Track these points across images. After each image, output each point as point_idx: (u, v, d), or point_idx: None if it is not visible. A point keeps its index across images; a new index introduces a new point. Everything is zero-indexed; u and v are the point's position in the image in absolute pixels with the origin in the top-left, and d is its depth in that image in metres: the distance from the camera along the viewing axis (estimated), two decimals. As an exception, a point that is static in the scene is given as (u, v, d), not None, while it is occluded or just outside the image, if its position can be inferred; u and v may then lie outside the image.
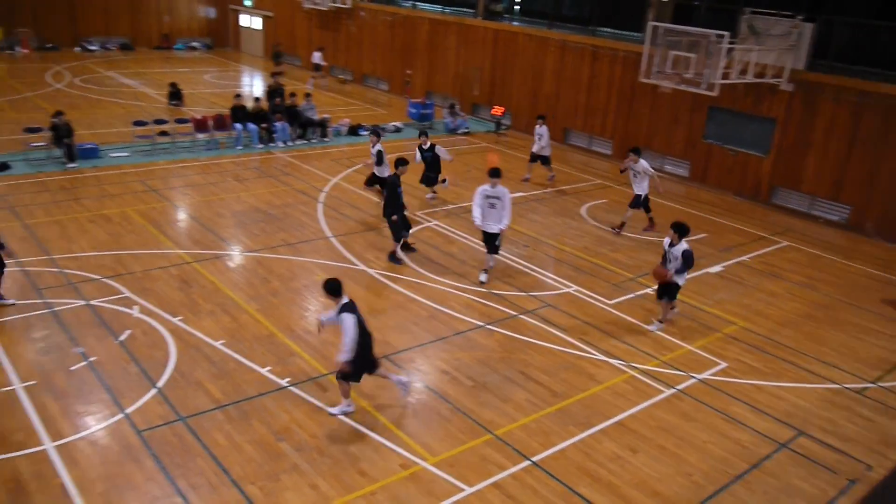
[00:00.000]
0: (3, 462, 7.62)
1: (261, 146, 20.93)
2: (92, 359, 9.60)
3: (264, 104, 22.13)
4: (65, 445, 7.94)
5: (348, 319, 8.19)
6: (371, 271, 12.93)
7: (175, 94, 25.50)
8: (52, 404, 8.62)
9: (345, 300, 8.39)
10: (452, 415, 8.97)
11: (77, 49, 36.42)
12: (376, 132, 15.85)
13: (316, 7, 33.20)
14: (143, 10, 38.43)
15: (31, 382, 9.01)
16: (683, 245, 10.87)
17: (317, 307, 11.60)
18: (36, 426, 8.22)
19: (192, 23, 40.29)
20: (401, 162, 13.50)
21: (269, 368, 9.66)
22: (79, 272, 12.06)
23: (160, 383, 9.17)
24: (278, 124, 21.33)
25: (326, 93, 29.48)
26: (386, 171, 15.11)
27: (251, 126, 20.96)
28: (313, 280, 12.48)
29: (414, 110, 25.71)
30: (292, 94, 22.61)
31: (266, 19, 38.06)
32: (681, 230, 10.88)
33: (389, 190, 13.35)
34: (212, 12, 40.78)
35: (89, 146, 18.66)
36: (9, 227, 13.71)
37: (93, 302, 11.14)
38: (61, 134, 18.01)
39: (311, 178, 18.30)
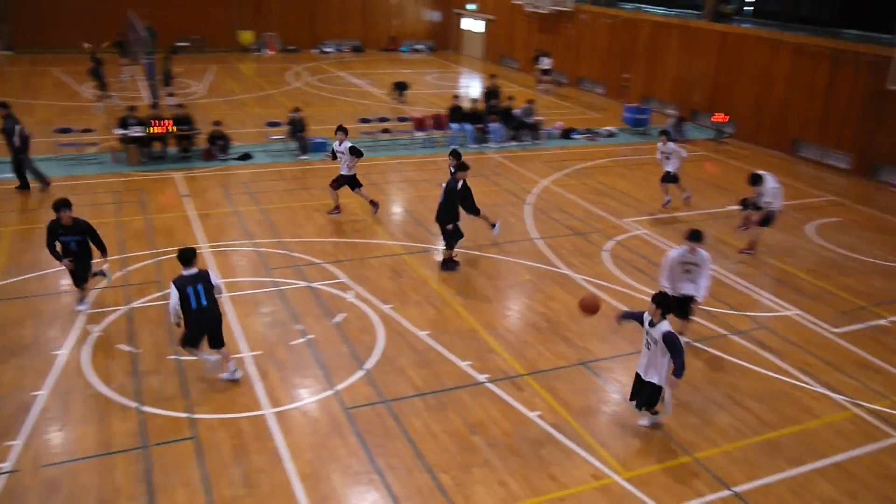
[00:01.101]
0: (230, 421, 8.46)
1: (475, 146, 21.47)
2: (309, 336, 10.38)
3: (481, 105, 22.69)
4: (281, 413, 8.66)
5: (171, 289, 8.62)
6: (576, 276, 12.79)
7: (400, 87, 27.09)
8: (273, 374, 9.43)
9: (191, 271, 8.77)
10: (650, 431, 8.64)
11: (314, 51, 39.61)
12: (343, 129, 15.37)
13: (537, 11, 33.46)
14: (373, 15, 40.93)
15: (257, 352, 9.92)
16: (665, 325, 7.99)
17: (519, 307, 11.70)
18: (258, 392, 9.04)
19: (417, 26, 42.28)
20: (462, 167, 12.96)
21: (468, 363, 9.87)
22: (303, 255, 13.08)
23: (368, 366, 9.70)
24: (492, 125, 21.77)
25: (543, 96, 29.59)
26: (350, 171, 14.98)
27: (467, 126, 21.58)
28: (518, 281, 12.59)
29: (629, 115, 25.08)
30: (510, 98, 22.95)
31: (487, 22, 38.97)
32: (662, 303, 7.97)
33: (449, 196, 12.66)
34: (436, 16, 42.51)
35: (320, 140, 20.19)
36: (248, 210, 15.21)
37: (313, 284, 12.04)
38: (297, 128, 19.68)
39: (521, 180, 18.47)
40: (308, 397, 9.00)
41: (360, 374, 9.51)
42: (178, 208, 15.36)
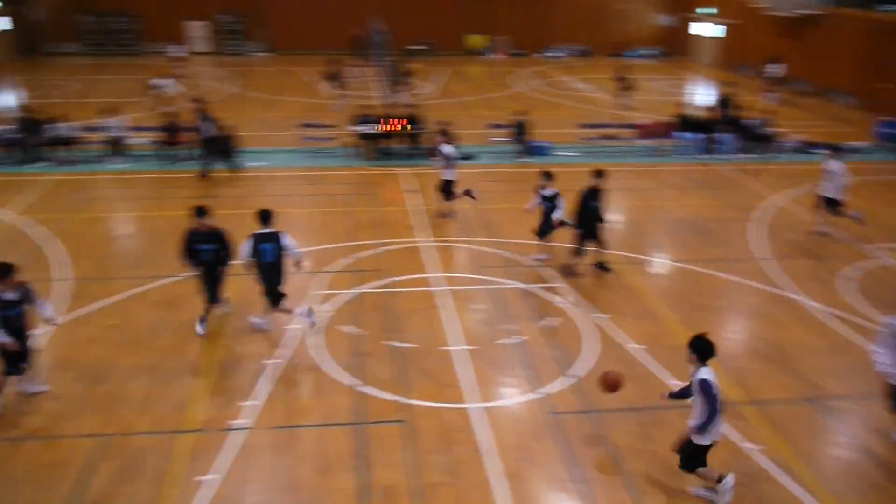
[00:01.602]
0: (436, 410, 8.74)
1: (703, 157, 20.46)
2: (519, 338, 10.44)
3: (713, 114, 21.57)
4: (486, 409, 8.79)
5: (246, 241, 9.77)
6: (808, 303, 11.73)
7: (624, 82, 26.54)
8: (481, 370, 9.60)
9: (266, 230, 9.82)
10: (888, 484, 7.69)
11: (540, 55, 39.91)
12: (445, 132, 15.67)
13: (780, 14, 31.16)
14: (602, 20, 40.41)
15: (469, 346, 10.16)
16: (703, 373, 6.86)
17: (742, 331, 10.97)
18: (465, 386, 9.25)
19: (647, 31, 41.12)
20: (599, 173, 12.37)
21: (684, 383, 9.40)
22: (518, 256, 13.20)
23: (577, 373, 9.57)
24: (723, 136, 20.61)
25: (779, 106, 27.55)
26: (453, 174, 14.89)
27: (695, 135, 20.61)
28: (740, 301, 11.81)
29: (886, 130, 22.56)
30: (742, 108, 21.61)
31: (725, 27, 36.96)
32: (697, 347, 6.93)
33: (583, 201, 12.20)
34: (668, 21, 41.05)
35: (541, 144, 20.28)
36: (468, 209, 15.64)
37: (527, 286, 12.11)
38: (520, 131, 19.92)
39: (749, 195, 17.31)
40: (514, 397, 9.05)
41: (568, 380, 9.40)
42: (401, 202, 16.16)
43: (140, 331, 10.48)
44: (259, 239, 9.85)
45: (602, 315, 11.16)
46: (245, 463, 7.81)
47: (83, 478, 7.55)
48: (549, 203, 12.61)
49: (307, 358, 9.84)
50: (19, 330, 8.42)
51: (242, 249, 9.90)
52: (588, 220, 12.27)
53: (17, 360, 8.53)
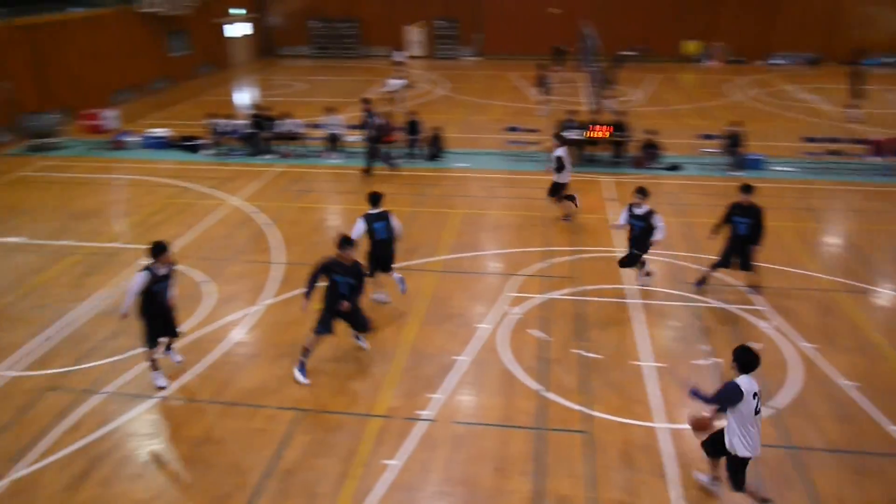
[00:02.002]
0: (620, 425, 8.48)
1: (946, 179, 18.17)
2: (715, 360, 9.86)
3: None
4: (673, 431, 8.38)
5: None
6: None
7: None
8: (672, 389, 9.17)
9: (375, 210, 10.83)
10: None
11: (762, 63, 37.42)
12: (560, 137, 15.42)
13: None
14: (838, 24, 37.04)
15: (660, 363, 9.76)
16: (739, 378, 6.76)
17: (981, 378, 9.61)
18: (653, 403, 8.89)
19: (891, 36, 37.09)
20: (747, 188, 11.25)
21: (902, 429, 8.41)
22: (720, 275, 12.47)
23: (777, 404, 8.87)
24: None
25: None
26: (566, 178, 14.97)
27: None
28: (983, 345, 10.34)
29: None
30: None
31: None
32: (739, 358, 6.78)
33: (727, 217, 11.36)
34: (918, 26, 36.83)
35: (756, 157, 19.01)
36: (671, 222, 14.99)
37: (728, 306, 11.41)
38: (733, 143, 18.80)
39: None
40: (704, 422, 8.56)
41: (766, 411, 8.73)
42: (602, 210, 15.86)
43: (341, 316, 11.15)
44: (371, 219, 10.85)
45: (810, 344, 10.25)
46: (426, 453, 8.06)
47: (281, 447, 8.17)
48: (641, 223, 11.43)
49: (494, 358, 9.95)
50: (163, 304, 9.15)
51: (357, 228, 10.67)
52: (731, 238, 11.41)
53: (161, 332, 9.34)
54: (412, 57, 39.02)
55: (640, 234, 11.49)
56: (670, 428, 8.43)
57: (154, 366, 9.36)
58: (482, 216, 15.50)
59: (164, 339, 9.61)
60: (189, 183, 17.96)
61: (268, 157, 20.24)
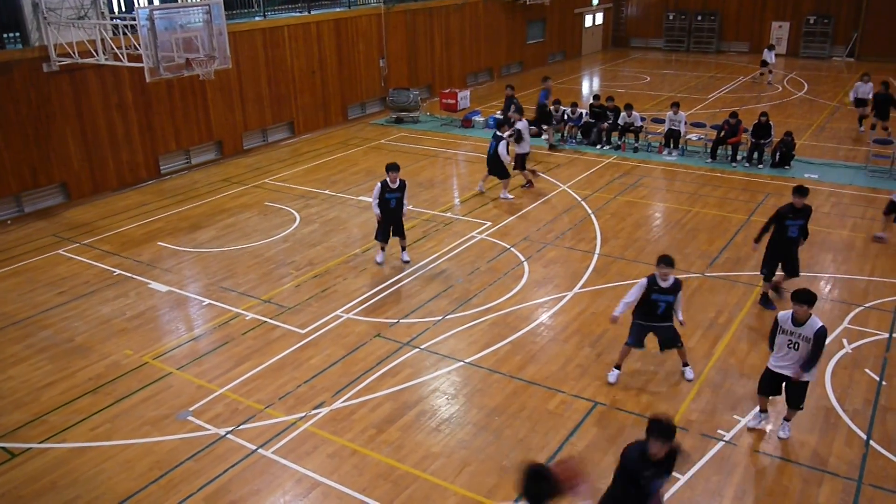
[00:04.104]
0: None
1: None
2: None
3: None
4: None
5: None
6: None
7: None
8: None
9: None
10: None
11: None
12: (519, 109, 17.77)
13: None
14: None
15: None
16: (816, 322, 7.45)
17: None
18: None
19: None
20: (800, 190, 10.52)
21: None
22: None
23: None
24: None
25: None
26: (526, 148, 16.62)
27: None
28: None
29: None
30: None
31: None
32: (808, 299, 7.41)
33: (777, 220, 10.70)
34: None
35: None
36: None
37: None
38: None
39: None
40: None
41: None
42: None
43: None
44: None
45: None
46: (718, 476, 7.52)
47: (571, 435, 8.21)
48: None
49: (817, 392, 8.87)
50: (396, 210, 12.33)
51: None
52: (777, 242, 10.76)
53: (389, 233, 12.53)
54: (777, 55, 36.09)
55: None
56: None
57: (381, 247, 12.74)
58: (827, 235, 13.85)
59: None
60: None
61: (603, 147, 20.27)
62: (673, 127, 19.59)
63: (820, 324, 7.49)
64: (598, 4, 38.65)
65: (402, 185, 12.36)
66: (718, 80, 29.67)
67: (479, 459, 7.86)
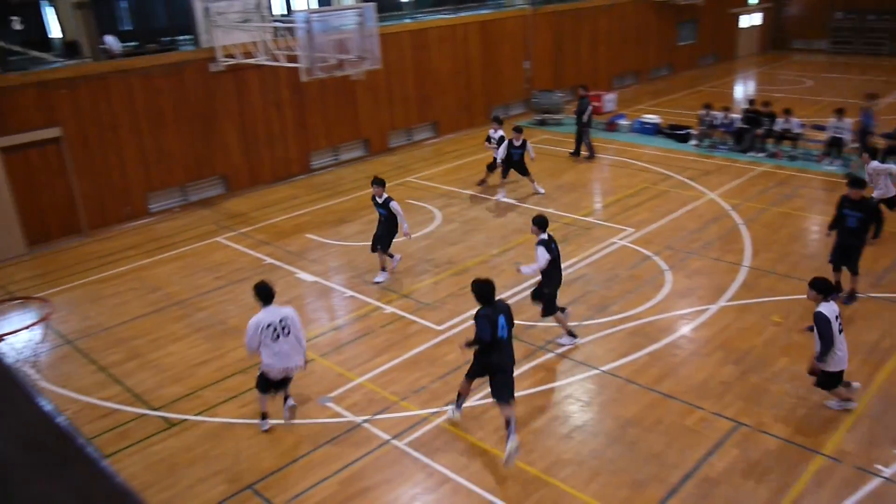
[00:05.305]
0: None
1: None
2: None
3: None
4: None
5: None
6: None
7: None
8: None
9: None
10: None
11: None
12: (497, 119, 17.31)
13: None
14: None
15: None
16: (821, 306, 8.02)
17: None
18: None
19: None
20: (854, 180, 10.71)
21: None
22: None
23: None
24: None
25: None
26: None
27: None
28: None
29: None
30: None
31: None
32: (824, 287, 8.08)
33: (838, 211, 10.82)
34: None
35: None
36: None
37: None
38: None
39: None
40: None
41: None
42: None
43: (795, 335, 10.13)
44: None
45: None
46: (876, 515, 6.94)
47: (710, 454, 7.85)
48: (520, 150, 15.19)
49: None
50: (382, 225, 12.21)
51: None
52: (839, 232, 10.84)
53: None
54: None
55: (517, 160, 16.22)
56: None
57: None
58: None
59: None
60: (670, 171, 18.10)
61: (756, 154, 19.24)
62: (836, 135, 18.28)
63: (817, 309, 8.06)
64: (756, 4, 36.71)
65: (387, 201, 12.01)
66: (891, 85, 27.41)
67: (610, 471, 7.68)
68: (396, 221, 12.11)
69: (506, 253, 13.39)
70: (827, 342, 7.89)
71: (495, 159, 16.64)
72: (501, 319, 7.81)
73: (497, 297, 7.99)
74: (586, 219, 15.08)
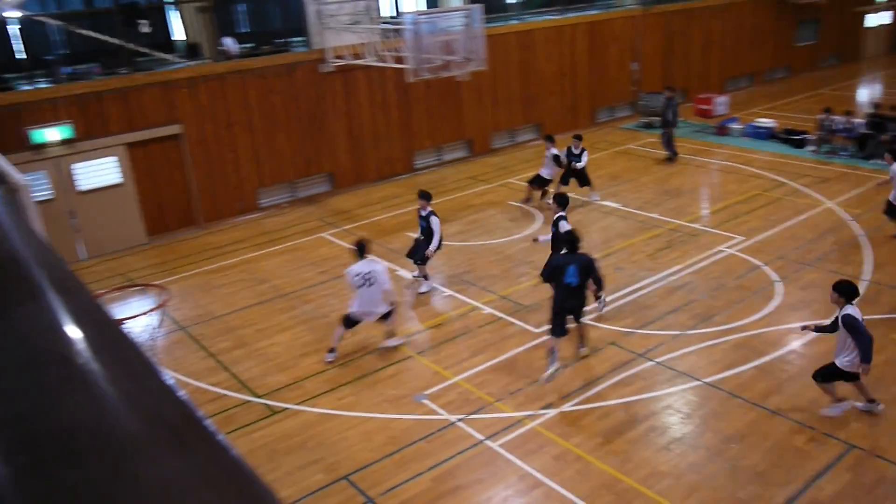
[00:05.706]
0: None
1: None
2: None
3: None
4: None
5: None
6: None
7: None
8: None
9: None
10: None
11: None
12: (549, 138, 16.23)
13: None
14: None
15: None
16: (847, 308, 7.93)
17: None
18: None
19: None
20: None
21: None
22: None
23: None
24: None
25: None
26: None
27: None
28: None
29: None
30: None
31: None
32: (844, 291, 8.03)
33: None
34: None
35: None
36: None
37: None
38: None
39: None
40: None
41: None
42: None
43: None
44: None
45: None
46: None
47: (819, 476, 7.45)
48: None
49: None
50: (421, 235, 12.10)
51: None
52: None
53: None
54: None
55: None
56: None
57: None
58: None
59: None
60: (784, 178, 17.29)
61: (881, 161, 18.12)
62: (972, 142, 16.96)
63: (845, 312, 7.95)
64: (885, 2, 34.53)
65: (429, 214, 11.91)
66: None
67: (710, 487, 7.41)
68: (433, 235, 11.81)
69: (607, 257, 13.14)
70: (864, 338, 7.75)
71: (565, 174, 16.13)
72: (571, 269, 8.98)
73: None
74: (693, 225, 14.61)
